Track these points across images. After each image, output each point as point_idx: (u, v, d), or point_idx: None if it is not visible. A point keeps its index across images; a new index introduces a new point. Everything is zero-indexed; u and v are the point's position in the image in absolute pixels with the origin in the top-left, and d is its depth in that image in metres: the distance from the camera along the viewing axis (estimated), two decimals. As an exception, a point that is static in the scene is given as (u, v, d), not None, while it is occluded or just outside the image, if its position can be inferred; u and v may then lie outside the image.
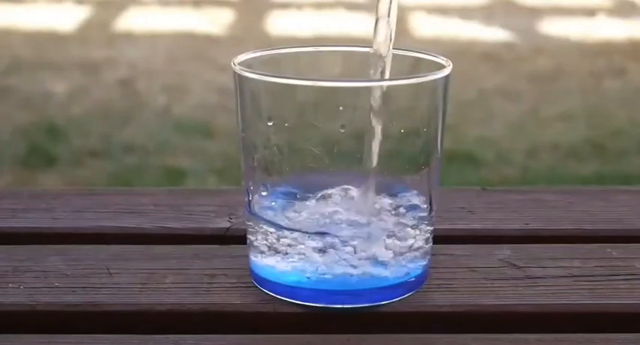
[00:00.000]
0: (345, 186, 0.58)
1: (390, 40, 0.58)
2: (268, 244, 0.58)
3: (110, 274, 0.62)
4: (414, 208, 0.58)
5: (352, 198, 0.57)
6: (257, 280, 0.60)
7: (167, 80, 3.04)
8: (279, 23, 3.88)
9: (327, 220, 0.57)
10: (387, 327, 0.58)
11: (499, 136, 2.54)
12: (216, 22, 3.88)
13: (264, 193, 0.58)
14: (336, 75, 0.63)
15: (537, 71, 3.18)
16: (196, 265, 0.63)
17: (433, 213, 0.59)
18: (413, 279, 0.59)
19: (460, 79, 2.82)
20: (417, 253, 0.59)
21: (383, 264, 0.58)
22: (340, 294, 0.57)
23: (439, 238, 0.62)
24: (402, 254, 0.58)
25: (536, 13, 4.07)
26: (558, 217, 0.71)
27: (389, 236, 0.57)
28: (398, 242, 0.57)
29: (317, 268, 0.57)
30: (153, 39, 3.58)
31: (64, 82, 2.99)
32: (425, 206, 0.59)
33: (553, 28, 3.84)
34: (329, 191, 0.58)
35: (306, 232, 0.56)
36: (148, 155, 2.38)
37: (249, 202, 0.59)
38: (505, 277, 0.62)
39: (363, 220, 0.57)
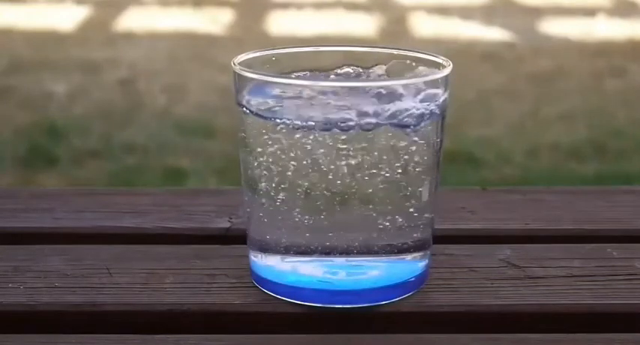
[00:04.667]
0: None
1: None
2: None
3: (110, 274, 0.62)
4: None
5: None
6: (257, 280, 0.60)
7: (167, 80, 3.04)
8: (279, 23, 3.88)
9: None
10: (387, 327, 0.58)
11: (499, 136, 2.54)
12: (216, 22, 3.88)
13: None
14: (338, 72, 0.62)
15: (537, 71, 3.18)
16: (196, 265, 0.63)
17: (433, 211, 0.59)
18: (413, 279, 0.59)
19: (460, 79, 2.81)
20: (416, 254, 0.59)
21: (382, 264, 0.58)
22: (340, 294, 0.57)
23: (439, 238, 0.62)
24: (402, 254, 0.58)
25: (536, 13, 4.07)
26: (558, 217, 0.71)
27: (389, 237, 0.57)
28: (399, 241, 0.57)
29: (317, 268, 0.57)
30: (153, 39, 3.58)
31: (64, 82, 2.98)
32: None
33: (553, 28, 3.84)
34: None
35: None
36: (148, 155, 2.38)
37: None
38: (505, 277, 0.62)
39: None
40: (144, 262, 0.63)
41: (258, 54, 0.61)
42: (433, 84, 0.57)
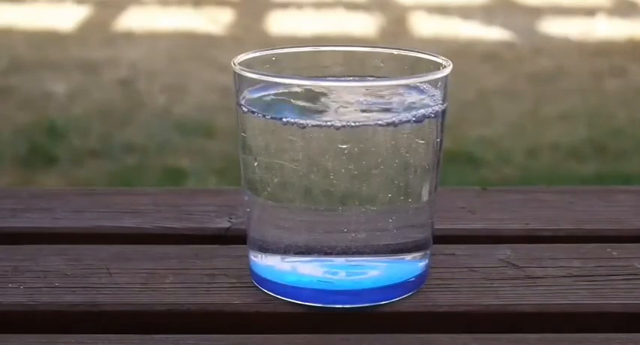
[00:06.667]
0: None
1: None
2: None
3: (110, 274, 0.62)
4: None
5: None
6: (257, 280, 0.60)
7: (167, 80, 3.04)
8: (279, 23, 3.88)
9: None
10: (387, 327, 0.58)
11: (499, 136, 2.54)
12: (216, 22, 3.88)
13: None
14: (336, 75, 0.63)
15: (537, 71, 3.18)
16: (196, 265, 0.63)
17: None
18: (413, 279, 0.59)
19: (460, 79, 2.82)
20: (416, 254, 0.59)
21: (382, 264, 0.58)
22: (340, 294, 0.57)
23: (439, 238, 0.62)
24: (402, 254, 0.58)
25: (536, 13, 4.07)
26: (558, 217, 0.71)
27: (389, 237, 0.57)
28: (400, 240, 0.57)
29: (317, 268, 0.57)
30: (153, 39, 3.58)
31: (64, 82, 2.99)
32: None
33: (553, 28, 3.84)
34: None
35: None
36: (148, 155, 2.38)
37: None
38: (505, 277, 0.62)
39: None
40: (143, 262, 0.63)
41: (258, 54, 0.61)
42: (433, 84, 0.57)
